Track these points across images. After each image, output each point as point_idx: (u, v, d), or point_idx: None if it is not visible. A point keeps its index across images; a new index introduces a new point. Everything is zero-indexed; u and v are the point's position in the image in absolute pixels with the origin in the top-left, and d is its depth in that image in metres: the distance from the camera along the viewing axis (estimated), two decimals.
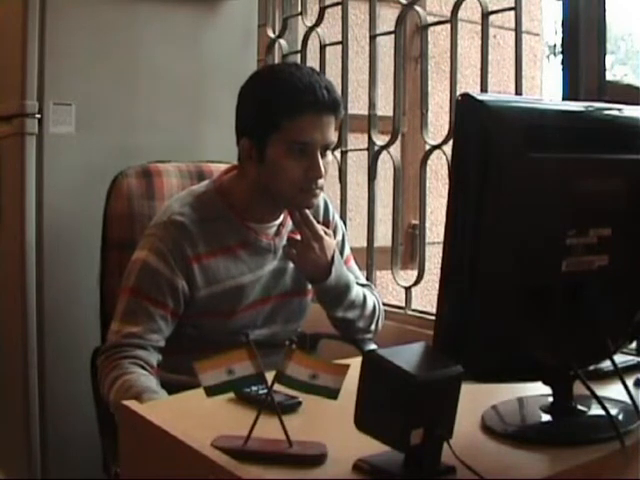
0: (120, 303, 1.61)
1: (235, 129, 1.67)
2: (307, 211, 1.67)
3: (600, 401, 1.06)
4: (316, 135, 1.58)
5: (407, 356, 0.95)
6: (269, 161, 1.60)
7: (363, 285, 1.85)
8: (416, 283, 2.35)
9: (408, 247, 3.27)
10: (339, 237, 1.85)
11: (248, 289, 1.68)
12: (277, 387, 1.05)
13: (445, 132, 2.23)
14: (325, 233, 1.70)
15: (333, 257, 1.69)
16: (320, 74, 1.65)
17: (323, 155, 1.61)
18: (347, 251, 1.87)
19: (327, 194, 2.00)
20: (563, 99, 1.93)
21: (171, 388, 1.49)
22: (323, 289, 1.70)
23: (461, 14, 2.21)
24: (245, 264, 1.68)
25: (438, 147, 2.24)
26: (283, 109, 1.57)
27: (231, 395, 1.08)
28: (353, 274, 1.84)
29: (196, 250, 1.62)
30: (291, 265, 1.72)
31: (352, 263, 1.88)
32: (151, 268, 1.59)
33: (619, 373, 1.10)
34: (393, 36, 2.41)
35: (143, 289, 1.58)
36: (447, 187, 1.02)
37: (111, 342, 1.58)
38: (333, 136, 1.63)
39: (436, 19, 2.50)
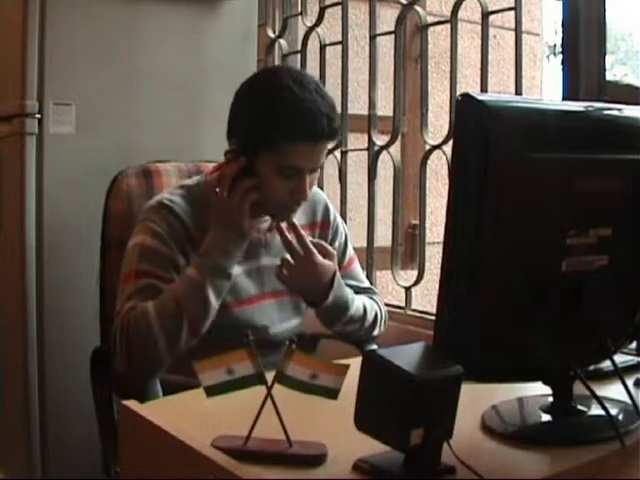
0: (125, 287, 1.57)
1: (227, 126, 1.64)
2: (302, 231, 1.63)
3: (600, 401, 1.06)
4: (308, 162, 1.57)
5: (407, 356, 0.95)
6: (256, 173, 1.57)
7: (365, 289, 1.84)
8: (416, 283, 2.35)
9: (408, 247, 3.27)
10: (341, 239, 1.83)
11: (239, 282, 1.65)
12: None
13: (445, 132, 2.23)
14: (327, 252, 1.65)
15: (332, 280, 1.64)
16: (325, 95, 1.59)
17: (312, 173, 1.60)
18: (350, 253, 1.85)
19: (327, 194, 2.00)
20: (563, 99, 1.93)
21: (171, 388, 1.49)
22: (319, 310, 1.68)
23: (461, 14, 2.21)
24: None
25: (438, 147, 2.24)
26: (281, 133, 1.53)
27: (231, 395, 1.08)
28: (356, 277, 1.82)
29: (188, 232, 1.61)
30: None
31: (355, 265, 1.85)
32: (151, 249, 1.58)
33: (619, 373, 1.10)
34: (393, 36, 2.41)
35: (148, 269, 1.56)
36: (447, 187, 1.01)
37: (121, 312, 1.53)
38: (324, 158, 1.61)
39: (436, 19, 2.50)
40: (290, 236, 1.64)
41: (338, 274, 1.67)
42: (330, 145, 1.62)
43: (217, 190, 1.59)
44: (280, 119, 1.53)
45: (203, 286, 1.52)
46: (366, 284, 1.88)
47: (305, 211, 1.76)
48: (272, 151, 1.55)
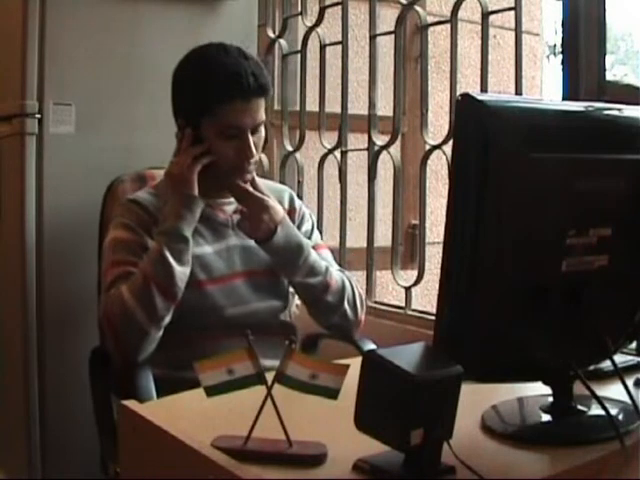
0: (105, 279, 1.67)
1: (172, 110, 1.75)
2: (244, 185, 1.71)
3: (600, 401, 1.06)
4: (245, 119, 1.66)
5: (407, 356, 0.95)
6: (203, 141, 1.68)
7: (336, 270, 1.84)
8: (416, 283, 2.34)
9: (408, 247, 3.27)
10: (308, 226, 1.87)
11: (209, 261, 1.71)
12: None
13: (445, 132, 2.23)
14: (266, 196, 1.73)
15: (282, 218, 1.71)
16: (249, 57, 1.71)
17: (255, 132, 1.69)
18: (317, 240, 1.88)
19: (327, 194, 2.00)
20: (563, 99, 1.93)
21: (164, 385, 1.51)
22: (272, 250, 1.71)
23: (461, 14, 2.21)
24: (203, 238, 1.72)
25: (438, 147, 2.24)
26: (211, 96, 1.65)
27: (231, 395, 1.08)
28: (324, 260, 1.82)
29: (154, 219, 1.69)
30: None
31: (323, 251, 1.87)
32: (121, 240, 1.68)
33: (619, 373, 1.10)
34: (393, 36, 2.41)
35: (121, 259, 1.66)
36: (447, 187, 1.02)
37: (104, 299, 1.65)
38: (262, 116, 1.70)
39: (436, 19, 2.50)
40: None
41: (287, 218, 1.75)
42: (265, 102, 1.71)
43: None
44: (208, 83, 1.66)
45: (162, 251, 1.60)
46: (336, 267, 1.87)
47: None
48: (209, 116, 1.66)
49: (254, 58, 1.72)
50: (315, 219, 1.95)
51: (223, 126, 1.66)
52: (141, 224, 1.68)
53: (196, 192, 1.66)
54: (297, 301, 1.86)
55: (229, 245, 1.75)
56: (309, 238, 1.85)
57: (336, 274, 1.80)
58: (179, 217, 1.64)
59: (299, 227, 1.85)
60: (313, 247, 1.83)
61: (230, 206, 1.78)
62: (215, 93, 1.64)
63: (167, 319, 1.60)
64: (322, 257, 1.84)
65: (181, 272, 1.61)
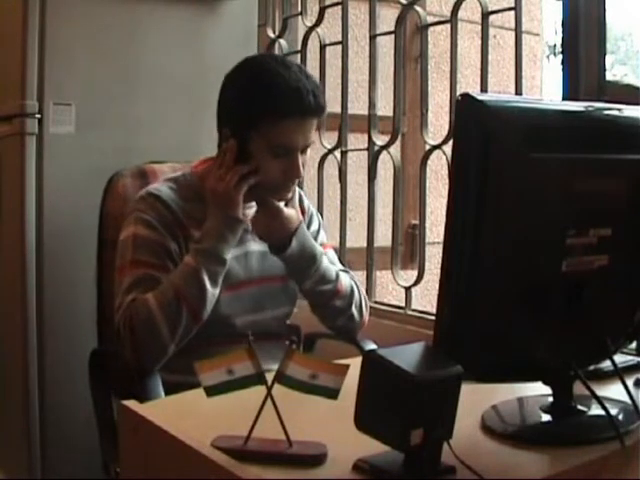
0: (122, 279, 1.60)
1: (217, 115, 1.68)
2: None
3: (600, 401, 1.06)
4: (299, 139, 1.61)
5: (407, 356, 0.95)
6: (249, 156, 1.62)
7: (340, 270, 1.84)
8: (416, 283, 2.35)
9: (408, 247, 3.27)
10: (315, 226, 1.87)
11: (229, 266, 1.67)
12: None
13: (445, 132, 2.23)
14: (285, 205, 1.70)
15: (297, 228, 1.69)
16: (309, 75, 1.65)
17: (303, 153, 1.64)
18: (323, 239, 1.88)
19: (327, 194, 1.99)
20: (563, 99, 1.93)
21: (171, 388, 1.50)
22: (287, 259, 1.69)
23: (461, 14, 2.21)
24: None
25: (438, 147, 2.24)
26: (267, 113, 1.58)
27: (231, 395, 1.09)
28: (329, 261, 1.83)
29: (177, 218, 1.64)
30: None
31: (328, 250, 1.87)
32: (143, 237, 1.62)
33: (619, 373, 1.10)
34: (393, 36, 2.41)
35: (142, 259, 1.60)
36: (447, 187, 1.02)
37: (123, 305, 1.57)
38: (313, 136, 1.66)
39: (436, 19, 2.50)
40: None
41: (303, 225, 1.72)
42: (317, 123, 1.66)
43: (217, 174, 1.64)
44: (267, 98, 1.58)
45: (198, 272, 1.56)
46: (340, 267, 1.87)
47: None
48: (262, 130, 1.59)
49: (313, 77, 1.66)
50: (322, 218, 1.95)
51: (274, 143, 1.59)
52: (163, 222, 1.63)
53: (240, 214, 1.61)
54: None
55: (248, 250, 1.72)
56: (316, 238, 1.84)
57: (345, 279, 1.79)
58: (221, 239, 1.59)
59: (308, 227, 1.83)
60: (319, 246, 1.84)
61: (251, 209, 1.73)
62: (272, 107, 1.57)
63: (188, 337, 1.57)
64: (327, 257, 1.83)
65: (212, 294, 1.57)
